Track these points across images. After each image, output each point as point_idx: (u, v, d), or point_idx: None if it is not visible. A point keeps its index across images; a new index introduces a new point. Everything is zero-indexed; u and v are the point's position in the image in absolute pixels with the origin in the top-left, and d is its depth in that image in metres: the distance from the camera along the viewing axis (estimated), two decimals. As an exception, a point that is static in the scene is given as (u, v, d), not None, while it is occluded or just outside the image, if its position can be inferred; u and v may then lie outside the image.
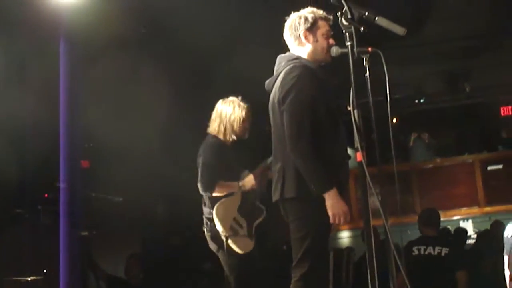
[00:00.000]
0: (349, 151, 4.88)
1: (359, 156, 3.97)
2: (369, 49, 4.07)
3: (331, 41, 4.81)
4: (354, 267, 9.49)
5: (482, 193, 13.24)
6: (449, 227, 12.30)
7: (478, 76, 13.24)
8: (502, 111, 15.17)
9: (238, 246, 6.16)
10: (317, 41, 4.86)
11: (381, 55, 4.07)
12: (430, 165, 14.26)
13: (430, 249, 7.66)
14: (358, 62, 4.10)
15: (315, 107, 4.59)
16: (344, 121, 4.76)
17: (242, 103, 6.44)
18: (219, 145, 6.35)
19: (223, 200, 6.21)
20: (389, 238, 4.00)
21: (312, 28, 4.86)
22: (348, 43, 3.95)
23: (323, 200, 4.54)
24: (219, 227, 6.09)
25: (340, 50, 4.46)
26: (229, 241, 6.10)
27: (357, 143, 3.97)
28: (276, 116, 4.80)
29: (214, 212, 6.12)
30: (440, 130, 15.12)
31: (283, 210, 4.81)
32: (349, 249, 10.05)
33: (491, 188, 12.98)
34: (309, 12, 4.92)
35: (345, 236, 13.33)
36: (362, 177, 3.98)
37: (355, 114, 3.97)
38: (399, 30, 3.97)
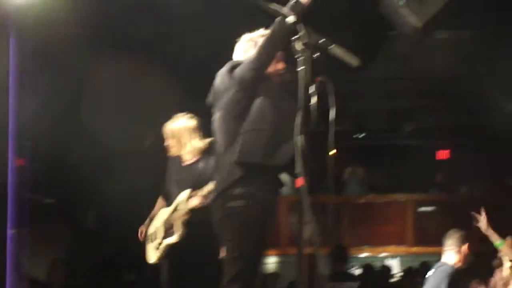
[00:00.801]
0: (284, 178, 4.87)
1: (299, 182, 3.96)
2: (318, 77, 4.07)
3: (281, 65, 4.80)
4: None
5: (412, 233, 13.38)
6: (375, 263, 12.42)
7: (419, 118, 13.42)
8: (438, 155, 15.42)
9: (147, 253, 6.42)
10: (277, 62, 4.83)
11: (329, 85, 4.06)
12: (363, 200, 14.37)
13: (342, 285, 7.81)
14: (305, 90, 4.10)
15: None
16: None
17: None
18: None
19: (164, 208, 6.42)
20: (321, 267, 3.99)
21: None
22: (300, 69, 3.94)
23: (261, 218, 4.57)
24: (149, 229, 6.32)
25: (292, 76, 4.47)
26: (146, 246, 6.35)
27: (299, 169, 3.95)
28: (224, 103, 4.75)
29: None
30: (376, 167, 15.26)
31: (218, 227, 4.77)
32: (275, 274, 10.07)
33: (421, 229, 13.12)
34: (260, 35, 4.90)
35: (271, 262, 13.32)
36: (300, 204, 3.95)
37: (299, 140, 3.95)
38: (352, 61, 3.97)
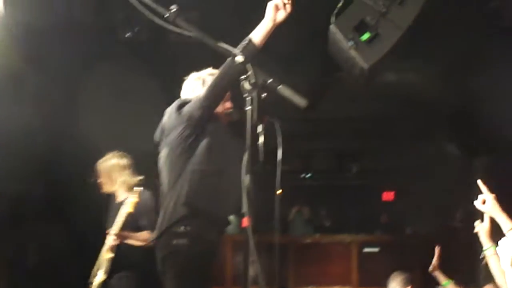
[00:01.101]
0: (231, 216, 4.86)
1: (246, 221, 3.93)
2: (266, 117, 4.06)
3: (228, 104, 4.80)
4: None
5: (356, 274, 13.37)
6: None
7: (366, 159, 13.51)
8: (383, 196, 15.52)
9: None
10: (226, 101, 4.83)
11: (277, 125, 4.06)
12: (308, 240, 14.34)
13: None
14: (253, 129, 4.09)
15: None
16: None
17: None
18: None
19: None
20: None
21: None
22: (248, 108, 3.92)
23: (204, 256, 4.53)
24: None
25: (239, 115, 4.46)
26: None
27: (245, 208, 3.93)
28: (171, 141, 4.72)
29: None
30: (322, 207, 15.29)
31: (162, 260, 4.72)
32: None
33: (365, 270, 13.12)
34: (209, 73, 4.90)
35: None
36: (246, 243, 3.93)
37: (246, 179, 3.93)
38: (300, 101, 3.97)
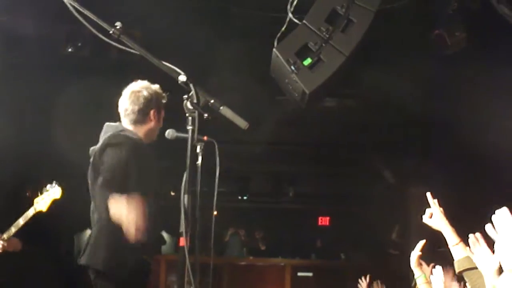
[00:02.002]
0: (165, 235, 4.85)
1: (182, 241, 3.91)
2: (205, 137, 4.05)
3: (160, 123, 4.84)
4: None
5: (289, 298, 13.39)
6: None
7: (302, 183, 13.58)
8: (319, 221, 15.61)
9: None
10: (158, 121, 4.82)
11: (216, 146, 4.06)
12: (243, 262, 14.34)
13: None
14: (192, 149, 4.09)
15: (129, 183, 4.52)
16: (161, 205, 4.76)
17: None
18: None
19: None
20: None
21: (160, 109, 4.83)
22: (189, 128, 3.92)
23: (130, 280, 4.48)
24: None
25: (176, 134, 4.45)
26: None
27: (182, 228, 3.91)
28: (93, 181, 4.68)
29: None
30: (257, 230, 15.30)
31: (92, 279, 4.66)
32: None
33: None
34: (162, 91, 4.87)
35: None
36: (181, 262, 3.90)
37: (185, 199, 3.91)
38: (241, 123, 3.98)
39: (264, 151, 11.94)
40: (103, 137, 4.77)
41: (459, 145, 8.92)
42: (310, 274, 13.94)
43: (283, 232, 15.25)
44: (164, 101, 4.87)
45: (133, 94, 4.81)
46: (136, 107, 4.78)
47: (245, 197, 14.30)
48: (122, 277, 4.51)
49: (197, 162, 4.00)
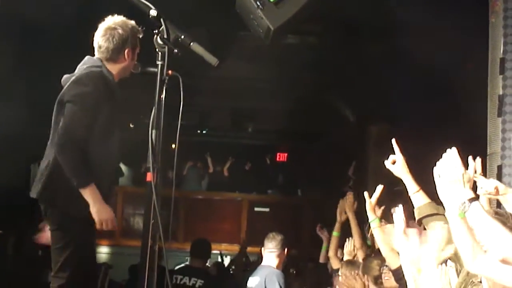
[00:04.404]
0: (124, 168, 4.86)
1: (149, 176, 3.90)
2: (170, 72, 4.03)
3: (134, 61, 4.77)
4: (109, 284, 9.43)
5: (245, 232, 13.49)
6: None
7: (261, 119, 13.58)
8: (277, 157, 15.67)
9: None
10: (132, 59, 4.74)
11: (180, 80, 4.04)
12: (200, 196, 14.41)
13: (186, 279, 7.76)
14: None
15: (95, 114, 4.49)
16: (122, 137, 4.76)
17: None
18: None
19: None
20: (166, 261, 4.02)
21: (135, 47, 4.75)
22: (159, 63, 3.88)
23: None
24: None
25: (142, 69, 4.42)
26: None
27: (149, 163, 3.90)
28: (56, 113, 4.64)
29: None
30: (216, 164, 15.34)
31: (44, 212, 4.64)
32: (106, 265, 9.91)
33: (255, 229, 13.23)
34: (137, 28, 4.78)
35: (103, 252, 13.12)
36: (148, 197, 3.90)
37: (152, 134, 3.90)
38: (211, 59, 3.97)
39: (225, 86, 11.91)
40: (80, 67, 4.71)
41: (420, 80, 8.94)
42: (267, 209, 14.07)
43: (241, 167, 15.28)
44: (140, 36, 4.78)
45: (108, 31, 4.71)
46: (111, 45, 4.69)
47: (204, 131, 14.28)
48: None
49: (161, 96, 3.99)
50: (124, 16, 4.75)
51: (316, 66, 10.47)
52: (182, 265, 10.50)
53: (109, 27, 4.69)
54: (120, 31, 4.68)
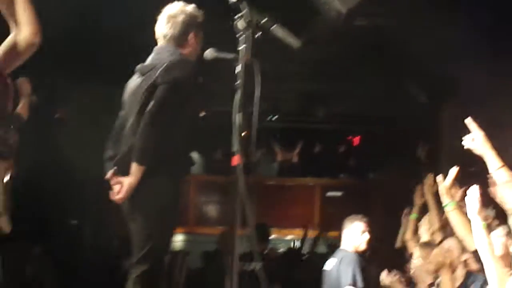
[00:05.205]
0: (196, 156, 4.91)
1: (236, 160, 3.91)
2: (247, 57, 4.03)
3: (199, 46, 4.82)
4: (188, 271, 9.56)
5: (318, 217, 13.46)
6: (281, 245, 12.50)
7: (333, 103, 13.48)
8: (349, 141, 15.56)
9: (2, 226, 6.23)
10: (197, 44, 4.80)
11: (257, 65, 4.04)
12: (272, 182, 14.41)
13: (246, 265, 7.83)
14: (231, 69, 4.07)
15: (184, 99, 4.56)
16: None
17: None
18: None
19: None
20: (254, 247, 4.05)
21: (199, 31, 4.80)
22: (242, 47, 3.89)
23: (169, 192, 4.53)
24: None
25: (215, 54, 4.42)
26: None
27: (236, 146, 3.91)
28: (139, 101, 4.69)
29: None
30: (287, 150, 15.28)
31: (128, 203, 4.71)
32: (183, 252, 10.05)
33: (328, 214, 13.19)
34: (200, 13, 4.84)
35: (178, 240, 13.25)
36: (235, 182, 3.89)
37: (237, 118, 3.92)
38: (294, 42, 3.96)
39: (295, 70, 11.87)
40: (157, 57, 4.78)
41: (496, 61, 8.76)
42: (339, 193, 14.00)
43: (312, 151, 15.21)
44: (201, 20, 4.82)
45: (171, 19, 4.77)
46: (176, 32, 4.76)
47: (275, 117, 14.24)
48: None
49: (236, 83, 4.00)
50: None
51: (387, 48, 10.35)
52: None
53: (170, 15, 4.76)
54: (182, 16, 4.74)
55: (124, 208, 4.69)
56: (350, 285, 6.98)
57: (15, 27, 3.41)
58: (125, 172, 4.58)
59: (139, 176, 4.50)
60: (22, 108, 6.68)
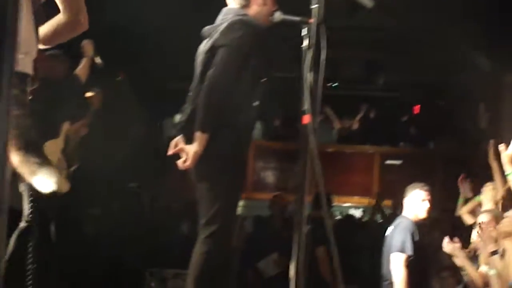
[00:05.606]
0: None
1: (307, 119, 3.91)
2: (310, 20, 4.02)
3: (275, 5, 4.74)
4: (247, 235, 9.65)
5: (377, 185, 13.41)
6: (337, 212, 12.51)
7: (393, 71, 13.39)
8: (409, 109, 15.43)
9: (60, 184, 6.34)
10: (265, 4, 4.75)
11: (324, 28, 4.02)
12: (330, 149, 14.37)
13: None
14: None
15: (247, 60, 4.56)
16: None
17: None
18: None
19: (49, 141, 6.33)
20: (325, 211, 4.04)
21: None
22: (315, 6, 3.89)
23: (236, 156, 4.53)
24: None
25: (282, 17, 4.41)
26: None
27: (306, 105, 3.90)
28: (201, 63, 4.72)
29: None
30: (346, 117, 15.21)
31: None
32: (242, 217, 10.12)
33: (386, 182, 13.14)
34: None
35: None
36: (303, 140, 3.87)
37: (309, 77, 3.91)
38: (367, 2, 3.94)
39: (355, 38, 11.79)
40: (223, 18, 4.77)
41: None
42: (398, 161, 13.91)
43: (372, 119, 15.11)
44: None
45: None
46: None
47: (334, 84, 14.19)
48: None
49: (302, 46, 3.99)
50: None
51: (448, 15, 10.23)
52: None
53: None
54: None
55: (191, 171, 4.72)
56: (398, 251, 6.95)
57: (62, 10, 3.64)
58: (189, 138, 4.59)
59: (203, 143, 4.50)
60: (81, 69, 6.82)
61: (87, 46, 6.95)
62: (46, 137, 6.35)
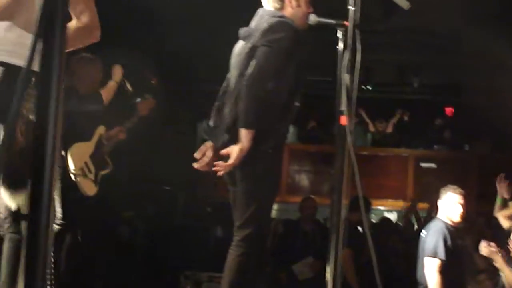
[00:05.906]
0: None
1: (344, 120, 3.91)
2: (346, 22, 4.02)
3: (310, 8, 4.74)
4: (279, 238, 9.65)
5: (412, 188, 13.35)
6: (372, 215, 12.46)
7: (427, 73, 13.33)
8: (443, 112, 15.34)
9: (85, 187, 6.55)
10: (299, 6, 4.75)
11: (358, 32, 4.03)
12: (365, 152, 14.32)
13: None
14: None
15: (287, 61, 4.57)
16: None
17: None
18: None
19: (78, 143, 6.56)
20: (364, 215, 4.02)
21: None
22: (352, 9, 3.89)
23: (273, 159, 4.54)
24: (71, 165, 6.37)
25: (317, 19, 4.41)
26: (78, 180, 6.47)
27: (343, 106, 3.90)
28: (240, 64, 4.72)
29: (68, 151, 6.40)
30: (381, 120, 15.15)
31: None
32: (276, 220, 10.12)
33: (421, 185, 13.07)
34: None
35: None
36: (342, 143, 3.89)
37: (346, 78, 3.91)
38: (403, 3, 3.94)
39: (388, 40, 11.76)
40: (259, 20, 4.78)
41: None
42: (433, 164, 13.83)
43: (406, 122, 15.06)
44: None
45: None
46: None
47: (368, 87, 14.14)
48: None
49: (337, 48, 4.00)
50: None
51: (482, 15, 10.17)
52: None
53: None
54: None
55: (225, 174, 4.71)
56: (430, 255, 6.92)
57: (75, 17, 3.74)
58: (233, 139, 4.58)
59: (250, 140, 4.43)
60: (105, 91, 6.83)
61: (117, 70, 6.97)
62: (75, 139, 6.48)
